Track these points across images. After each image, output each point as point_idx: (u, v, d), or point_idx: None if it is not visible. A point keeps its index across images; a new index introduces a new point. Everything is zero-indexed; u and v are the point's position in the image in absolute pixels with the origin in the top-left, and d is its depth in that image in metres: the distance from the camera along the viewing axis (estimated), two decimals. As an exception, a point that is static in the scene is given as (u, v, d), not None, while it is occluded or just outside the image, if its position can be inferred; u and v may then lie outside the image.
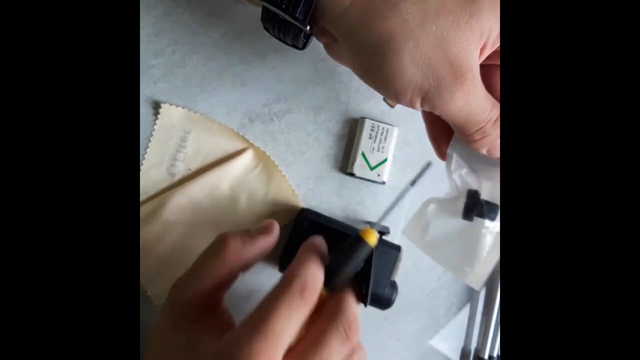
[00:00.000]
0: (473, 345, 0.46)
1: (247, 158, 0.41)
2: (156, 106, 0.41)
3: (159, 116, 0.41)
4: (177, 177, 0.41)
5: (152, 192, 0.41)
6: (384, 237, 0.39)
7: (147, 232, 0.39)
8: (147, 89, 0.41)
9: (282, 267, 0.39)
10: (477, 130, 0.28)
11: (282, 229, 0.42)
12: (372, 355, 0.40)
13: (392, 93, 0.27)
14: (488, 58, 0.29)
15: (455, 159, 0.30)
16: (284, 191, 0.42)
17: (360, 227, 0.42)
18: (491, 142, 0.28)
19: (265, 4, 0.27)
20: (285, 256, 0.38)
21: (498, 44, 0.28)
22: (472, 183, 0.30)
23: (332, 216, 0.41)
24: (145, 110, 0.41)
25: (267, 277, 0.41)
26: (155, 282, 0.40)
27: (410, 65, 0.25)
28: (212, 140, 0.41)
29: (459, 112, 0.27)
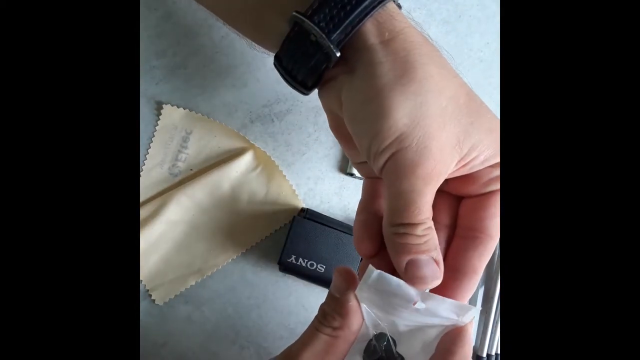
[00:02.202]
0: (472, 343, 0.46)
1: (247, 158, 0.42)
2: (158, 107, 0.41)
3: (160, 117, 0.41)
4: (179, 177, 0.42)
5: (154, 192, 0.41)
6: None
7: (149, 232, 0.40)
8: (149, 90, 0.41)
9: (282, 267, 0.40)
10: (405, 224, 0.25)
11: (282, 229, 0.43)
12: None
13: (374, 132, 0.25)
14: (449, 184, 0.28)
15: (364, 308, 0.27)
16: (284, 191, 0.42)
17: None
18: (412, 252, 0.25)
19: (301, 17, 0.25)
20: (284, 256, 0.39)
21: (476, 170, 0.27)
22: (383, 324, 0.27)
23: (332, 216, 0.42)
24: (147, 111, 0.41)
25: (267, 276, 0.42)
26: (157, 280, 0.40)
27: (406, 116, 0.25)
28: (213, 140, 0.42)
29: (407, 192, 0.25)
